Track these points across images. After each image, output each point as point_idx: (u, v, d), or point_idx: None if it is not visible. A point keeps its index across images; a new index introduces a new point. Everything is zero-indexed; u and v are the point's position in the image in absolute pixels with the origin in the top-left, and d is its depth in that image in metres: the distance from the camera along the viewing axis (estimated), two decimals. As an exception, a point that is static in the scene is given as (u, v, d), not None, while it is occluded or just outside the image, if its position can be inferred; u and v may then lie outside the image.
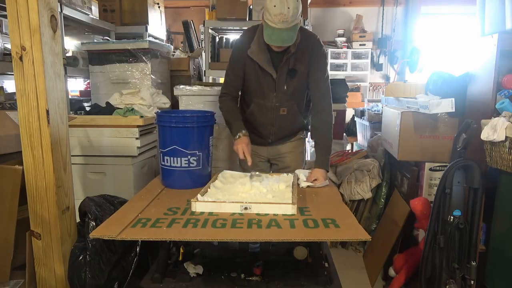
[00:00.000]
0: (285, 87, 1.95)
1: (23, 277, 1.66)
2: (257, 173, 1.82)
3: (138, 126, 2.31)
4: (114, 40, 3.68)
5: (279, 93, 1.96)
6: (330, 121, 2.01)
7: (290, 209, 1.46)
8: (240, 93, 2.13)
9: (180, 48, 4.70)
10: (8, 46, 2.63)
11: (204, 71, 3.73)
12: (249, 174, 1.81)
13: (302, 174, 1.91)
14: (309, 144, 3.97)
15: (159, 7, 4.45)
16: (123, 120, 2.34)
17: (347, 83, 3.75)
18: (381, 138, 3.00)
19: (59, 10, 2.37)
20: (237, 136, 1.94)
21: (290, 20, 1.68)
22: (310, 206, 1.57)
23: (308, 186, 1.84)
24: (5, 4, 1.44)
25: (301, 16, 1.80)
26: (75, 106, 3.39)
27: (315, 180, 1.85)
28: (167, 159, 1.79)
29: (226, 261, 1.58)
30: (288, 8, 1.66)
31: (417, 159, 2.40)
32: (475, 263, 1.78)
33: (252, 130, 2.11)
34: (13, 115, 1.93)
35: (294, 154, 2.18)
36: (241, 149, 1.88)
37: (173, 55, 3.71)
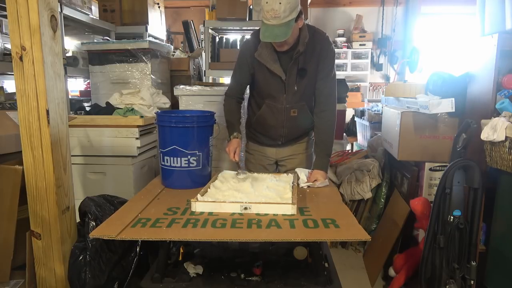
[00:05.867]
0: (295, 88, 1.92)
1: (23, 277, 1.66)
2: (244, 171, 1.85)
3: (138, 126, 2.31)
4: (114, 40, 3.68)
5: (289, 95, 1.94)
6: (333, 121, 1.99)
7: (290, 209, 1.46)
8: (250, 94, 2.13)
9: (180, 48, 4.70)
10: (8, 46, 2.63)
11: (204, 71, 3.73)
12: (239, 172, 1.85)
13: (302, 173, 1.91)
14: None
15: (159, 7, 4.45)
16: (123, 120, 2.34)
17: (347, 83, 3.76)
18: (381, 138, 3.00)
19: (59, 10, 2.36)
20: (230, 138, 1.97)
21: (282, 15, 1.66)
22: (310, 206, 1.57)
23: (308, 186, 1.84)
24: (5, 4, 1.44)
25: (302, 14, 1.78)
26: (75, 106, 3.39)
27: (315, 180, 1.85)
28: (167, 159, 1.79)
29: (226, 261, 1.58)
30: (280, 3, 1.65)
31: (417, 159, 2.40)
32: (475, 263, 1.78)
33: (262, 132, 2.10)
34: (13, 115, 1.93)
35: (304, 155, 2.15)
36: (232, 151, 1.90)
37: (173, 55, 3.71)
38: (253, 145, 2.19)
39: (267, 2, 1.67)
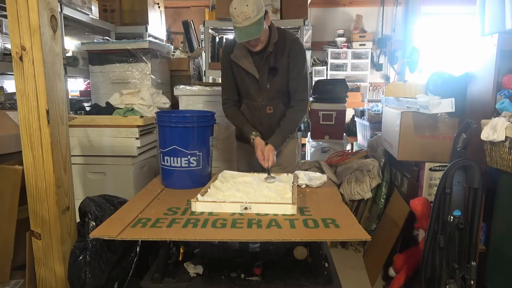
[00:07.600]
0: (268, 86, 2.03)
1: (23, 277, 1.66)
2: (272, 175, 1.86)
3: (138, 126, 2.31)
4: (114, 40, 3.68)
5: (263, 92, 2.05)
6: (300, 114, 2.07)
7: (290, 209, 1.46)
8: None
9: (180, 48, 4.70)
10: (8, 46, 2.63)
11: (204, 71, 3.72)
12: (264, 175, 1.87)
13: (302, 173, 1.91)
14: (309, 144, 3.96)
15: (159, 7, 4.45)
16: (123, 120, 2.34)
17: (347, 83, 3.75)
18: (381, 138, 3.00)
19: (59, 10, 2.36)
20: (251, 140, 2.05)
21: (252, 15, 1.78)
22: (310, 206, 1.57)
23: (306, 186, 1.85)
24: (5, 4, 1.44)
25: (267, 13, 1.90)
26: (75, 106, 3.39)
27: (267, 158, 1.93)
28: (167, 159, 1.79)
29: (226, 261, 1.58)
30: (247, 5, 1.77)
31: (417, 159, 2.40)
32: (475, 263, 1.78)
33: None
34: (13, 115, 1.93)
35: (287, 152, 2.21)
36: (266, 157, 1.94)
37: (173, 55, 3.71)
38: (240, 144, 2.27)
39: (235, 8, 1.79)
